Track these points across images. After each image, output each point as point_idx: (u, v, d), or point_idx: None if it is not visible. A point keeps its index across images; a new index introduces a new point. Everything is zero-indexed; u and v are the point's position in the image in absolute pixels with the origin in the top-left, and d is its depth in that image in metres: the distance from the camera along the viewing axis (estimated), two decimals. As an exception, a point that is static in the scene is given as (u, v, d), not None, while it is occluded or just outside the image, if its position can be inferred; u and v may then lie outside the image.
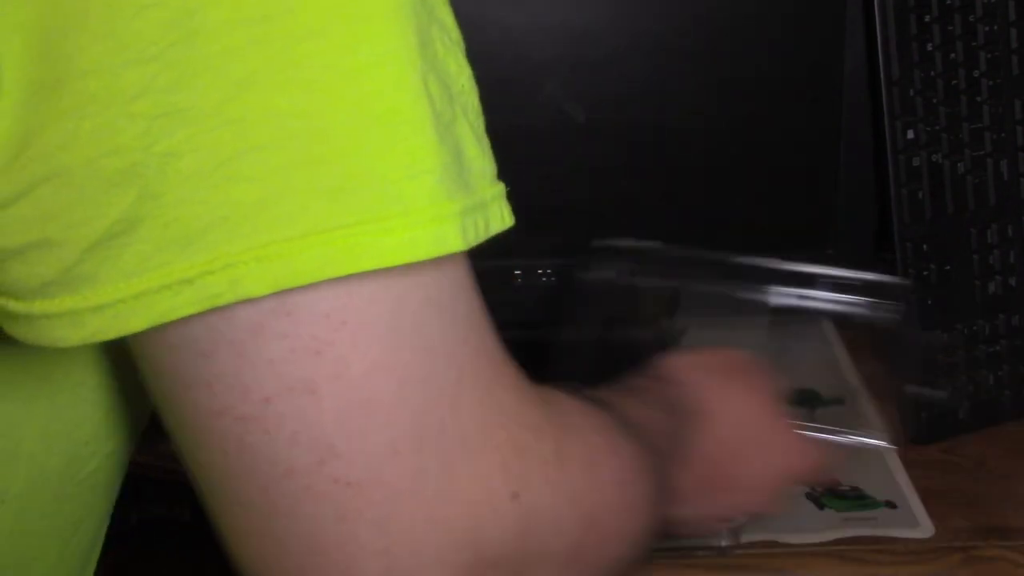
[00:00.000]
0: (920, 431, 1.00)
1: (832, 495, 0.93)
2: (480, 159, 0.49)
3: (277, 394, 0.44)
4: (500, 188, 0.49)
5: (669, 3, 1.00)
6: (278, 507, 0.45)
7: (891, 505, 0.92)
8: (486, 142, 0.50)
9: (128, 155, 0.42)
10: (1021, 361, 1.02)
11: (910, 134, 0.99)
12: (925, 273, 0.99)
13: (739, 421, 0.73)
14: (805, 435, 0.80)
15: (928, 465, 0.97)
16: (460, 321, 0.48)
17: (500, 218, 0.49)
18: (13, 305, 0.45)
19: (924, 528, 0.90)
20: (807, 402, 1.05)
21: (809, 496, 0.93)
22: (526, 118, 1.00)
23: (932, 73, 0.99)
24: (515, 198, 1.05)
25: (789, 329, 1.14)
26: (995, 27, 1.00)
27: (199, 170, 0.43)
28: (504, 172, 1.06)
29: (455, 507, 0.47)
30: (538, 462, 0.50)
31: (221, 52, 0.42)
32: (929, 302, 1.00)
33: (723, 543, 0.88)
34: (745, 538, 0.88)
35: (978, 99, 1.00)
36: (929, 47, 0.99)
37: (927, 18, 0.99)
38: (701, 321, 1.14)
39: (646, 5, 1.00)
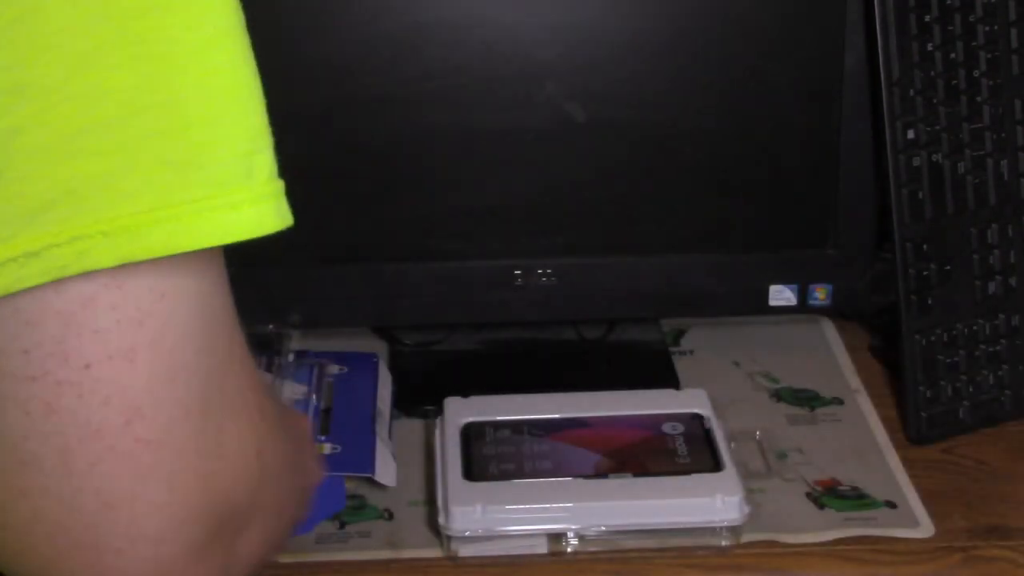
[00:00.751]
0: (920, 431, 1.00)
1: (832, 495, 0.93)
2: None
3: (98, 361, 0.46)
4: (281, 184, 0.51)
5: (669, 3, 1.00)
6: (75, 467, 0.47)
7: (891, 505, 0.92)
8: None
9: None
10: (1021, 361, 1.02)
11: (910, 134, 0.99)
12: (925, 273, 1.00)
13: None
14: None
15: (928, 465, 0.97)
16: (227, 294, 0.51)
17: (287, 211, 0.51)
18: None
19: (924, 528, 0.90)
20: (807, 402, 1.05)
21: (809, 496, 0.93)
22: (526, 118, 1.00)
23: (932, 73, 0.99)
24: (515, 198, 1.06)
25: (789, 329, 1.14)
26: (995, 27, 1.00)
27: (44, 145, 0.44)
28: (504, 172, 1.07)
29: (221, 463, 0.51)
30: (267, 425, 0.55)
31: (63, 28, 0.43)
32: (929, 302, 1.00)
33: (723, 536, 0.88)
34: (745, 538, 0.88)
35: (978, 99, 1.00)
36: (929, 47, 0.99)
37: (927, 18, 0.99)
38: (701, 321, 1.15)
39: (646, 5, 1.00)
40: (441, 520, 0.87)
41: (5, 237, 0.44)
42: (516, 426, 0.95)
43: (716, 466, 0.90)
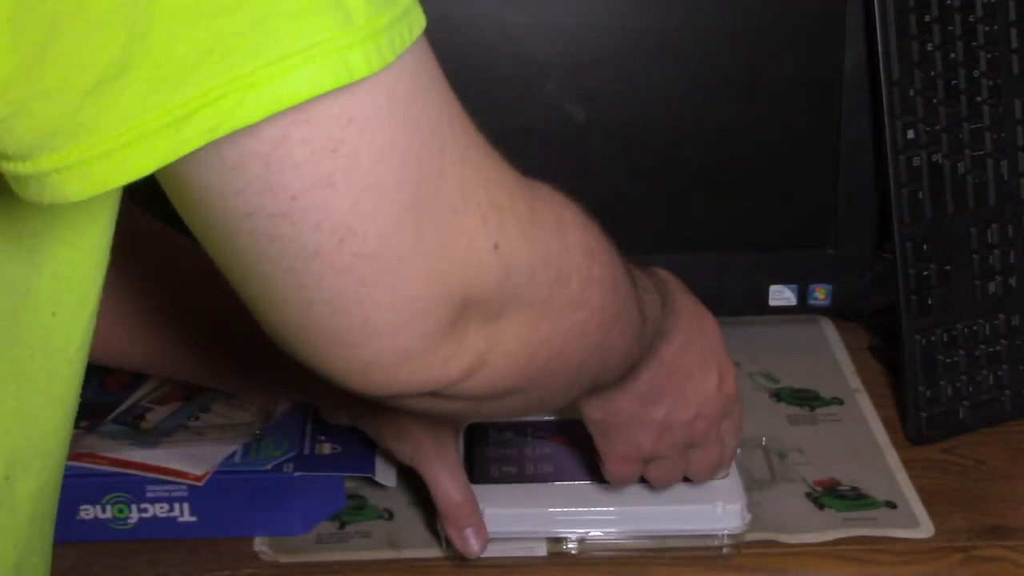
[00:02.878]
0: (920, 431, 1.00)
1: (832, 495, 0.93)
2: None
3: (302, 192, 0.49)
4: None
5: (669, 3, 1.00)
6: (305, 282, 0.51)
7: (891, 505, 0.92)
8: None
9: None
10: (1021, 361, 1.02)
11: (910, 134, 0.99)
12: (925, 273, 1.00)
13: (697, 346, 0.80)
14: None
15: (928, 465, 0.97)
16: (435, 97, 0.53)
17: (420, 17, 0.53)
18: (22, 167, 0.47)
19: (924, 528, 0.90)
20: (807, 402, 1.05)
21: (809, 496, 0.93)
22: (526, 118, 1.00)
23: (932, 73, 0.99)
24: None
25: (789, 329, 1.14)
26: (995, 27, 1.00)
27: (181, 6, 0.45)
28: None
29: (447, 261, 0.53)
30: (513, 217, 0.56)
31: None
32: (929, 302, 1.00)
33: (724, 544, 0.88)
34: (745, 538, 0.88)
35: (978, 99, 1.00)
36: (929, 47, 0.99)
37: (927, 18, 0.99)
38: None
39: (646, 5, 1.00)
40: (441, 522, 0.87)
41: (157, 103, 0.45)
42: (519, 428, 0.95)
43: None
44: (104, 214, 0.58)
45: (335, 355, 0.55)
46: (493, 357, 0.58)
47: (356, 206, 0.50)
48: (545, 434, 0.94)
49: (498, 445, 0.93)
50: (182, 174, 0.49)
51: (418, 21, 0.52)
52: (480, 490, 0.88)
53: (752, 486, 0.93)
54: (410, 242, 0.52)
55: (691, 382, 0.80)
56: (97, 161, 0.46)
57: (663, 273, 0.81)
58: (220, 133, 0.46)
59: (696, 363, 0.80)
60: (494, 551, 0.87)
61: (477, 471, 0.90)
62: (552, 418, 0.95)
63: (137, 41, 0.45)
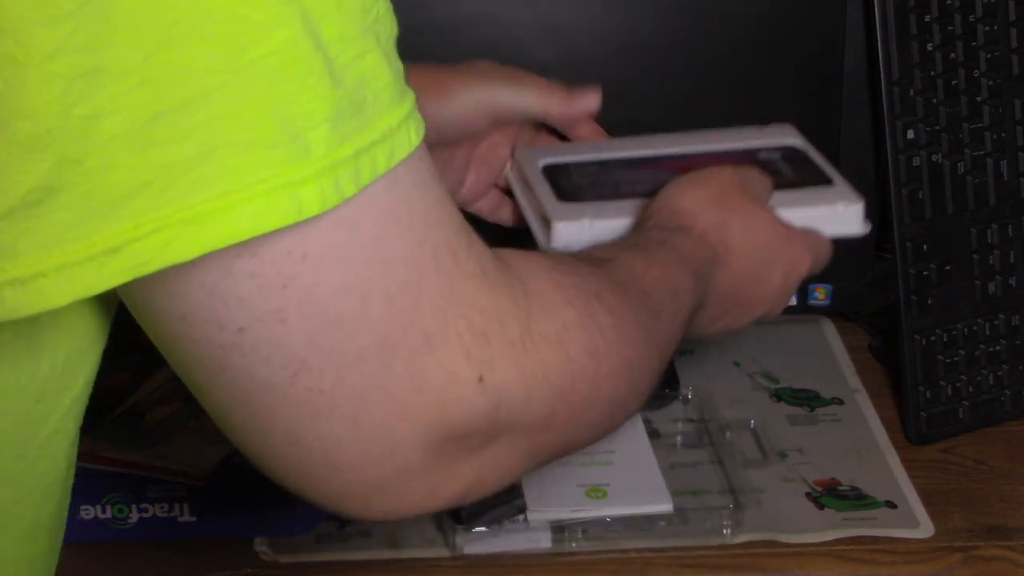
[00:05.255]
0: (920, 431, 1.00)
1: (832, 495, 0.93)
2: (389, 85, 0.48)
3: (250, 325, 0.46)
4: (408, 106, 0.49)
5: (669, 3, 1.00)
6: (260, 412, 0.49)
7: (891, 505, 0.92)
8: (397, 61, 0.49)
9: (44, 120, 0.42)
10: (1021, 361, 1.02)
11: (910, 134, 0.99)
12: (925, 273, 0.99)
13: (750, 248, 0.75)
14: (805, 231, 0.79)
15: (928, 465, 0.97)
16: (417, 222, 0.49)
17: (407, 141, 0.48)
18: None
19: (924, 528, 0.90)
20: (807, 402, 1.05)
21: (809, 496, 0.93)
22: (526, 118, 1.00)
23: (932, 73, 0.99)
24: (515, 198, 1.05)
25: (789, 329, 1.14)
26: (995, 27, 1.00)
27: (121, 133, 0.42)
28: (504, 172, 1.05)
29: (420, 396, 0.50)
30: (503, 344, 0.52)
31: (139, 7, 0.42)
32: (929, 302, 1.00)
33: (724, 531, 0.88)
34: (745, 538, 0.88)
35: (978, 99, 1.00)
36: (929, 47, 0.99)
37: (927, 18, 0.99)
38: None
39: (646, 5, 1.00)
40: (542, 240, 0.80)
41: (83, 234, 0.43)
42: (604, 163, 0.87)
43: (826, 181, 0.84)
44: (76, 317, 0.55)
45: (302, 484, 0.52)
46: (488, 477, 0.55)
47: (311, 341, 0.47)
48: (635, 165, 0.87)
49: (585, 175, 0.86)
50: (127, 288, 0.46)
51: (403, 142, 0.48)
52: (581, 207, 0.80)
53: (746, 467, 0.95)
54: (374, 378, 0.49)
55: (759, 284, 0.76)
56: (10, 287, 0.44)
57: (671, 213, 0.74)
58: (150, 269, 0.44)
59: (754, 265, 0.76)
60: (498, 545, 0.87)
61: (569, 194, 0.83)
62: (638, 154, 0.89)
63: (68, 166, 0.42)
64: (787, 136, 0.91)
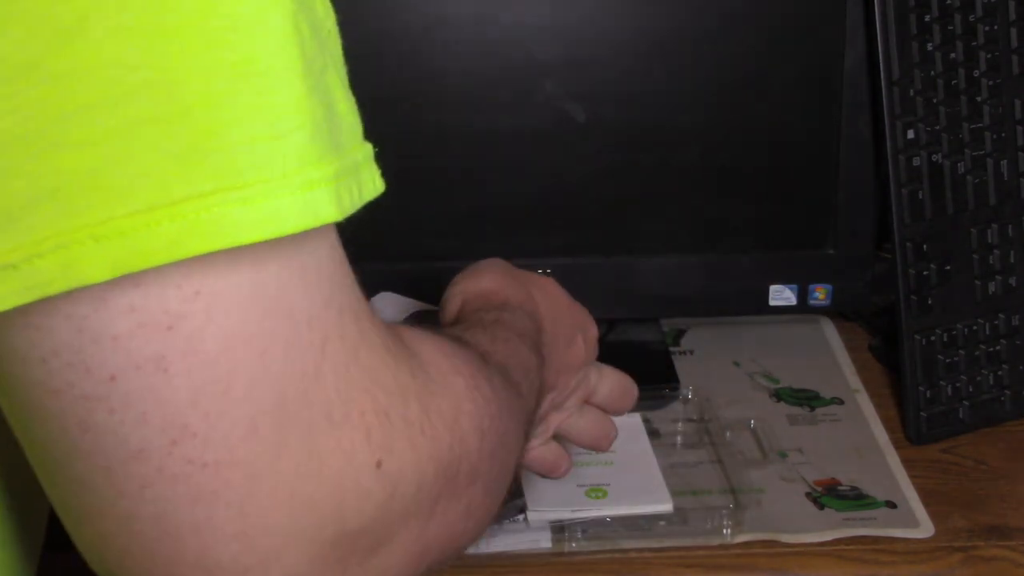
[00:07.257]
0: (920, 431, 1.00)
1: (832, 495, 0.93)
2: (350, 114, 0.44)
3: (123, 372, 0.39)
4: (369, 148, 0.45)
5: (669, 3, 1.00)
6: (125, 489, 0.41)
7: (891, 505, 0.92)
8: (352, 97, 0.45)
9: None
10: (1021, 361, 1.02)
11: (910, 134, 0.99)
12: (925, 273, 0.99)
13: (554, 314, 0.75)
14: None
15: (928, 465, 0.97)
16: (325, 282, 0.43)
17: (372, 183, 0.44)
18: None
19: (924, 528, 0.90)
20: (807, 402, 1.05)
21: (809, 496, 0.93)
22: (526, 118, 1.00)
23: (932, 73, 0.99)
24: (516, 198, 1.06)
25: (789, 329, 1.14)
26: (995, 27, 1.00)
27: (19, 136, 0.37)
28: (505, 172, 1.07)
29: (317, 483, 0.43)
30: (402, 425, 0.46)
31: None
32: (929, 302, 1.00)
33: (725, 531, 0.88)
34: (745, 538, 0.88)
35: (978, 99, 1.00)
36: (929, 47, 0.99)
37: (927, 18, 0.99)
38: (701, 321, 1.15)
39: (646, 5, 1.00)
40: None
41: None
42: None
43: None
44: None
45: None
46: None
47: (196, 401, 0.40)
48: None
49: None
50: None
51: (336, 201, 0.41)
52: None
53: (747, 467, 0.94)
54: (267, 456, 0.41)
55: (570, 352, 0.76)
56: None
57: (483, 293, 0.72)
58: (53, 290, 0.38)
59: (557, 327, 0.74)
60: (497, 545, 0.87)
61: None
62: None
63: None
64: None
